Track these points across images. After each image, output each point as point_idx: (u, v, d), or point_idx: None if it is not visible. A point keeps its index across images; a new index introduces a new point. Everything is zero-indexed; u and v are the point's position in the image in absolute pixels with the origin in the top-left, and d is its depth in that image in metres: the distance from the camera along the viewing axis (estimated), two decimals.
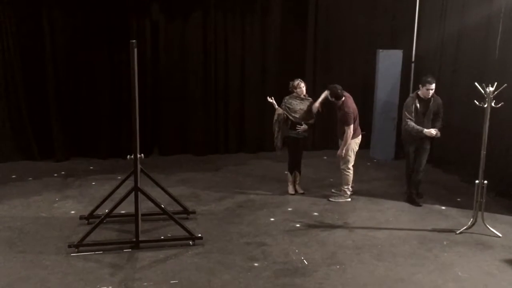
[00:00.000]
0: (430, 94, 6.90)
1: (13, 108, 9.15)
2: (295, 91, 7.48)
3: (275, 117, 7.51)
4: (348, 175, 7.35)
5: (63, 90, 9.32)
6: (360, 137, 7.43)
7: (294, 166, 7.70)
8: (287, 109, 7.45)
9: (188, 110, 9.86)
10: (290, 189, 7.74)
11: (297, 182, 7.80)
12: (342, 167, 7.35)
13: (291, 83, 7.54)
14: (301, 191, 7.75)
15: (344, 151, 7.21)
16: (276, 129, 7.53)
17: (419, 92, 7.02)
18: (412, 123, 6.92)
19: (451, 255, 5.70)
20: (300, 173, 7.79)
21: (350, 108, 7.13)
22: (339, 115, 7.24)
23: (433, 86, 6.88)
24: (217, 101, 10.05)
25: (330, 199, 7.47)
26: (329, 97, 7.25)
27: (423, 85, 6.90)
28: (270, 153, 9.96)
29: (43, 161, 9.26)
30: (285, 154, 7.81)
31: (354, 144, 7.29)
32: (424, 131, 6.86)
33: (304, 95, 7.53)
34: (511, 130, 7.48)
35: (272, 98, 7.62)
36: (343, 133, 7.17)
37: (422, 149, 7.10)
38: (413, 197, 7.30)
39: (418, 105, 6.98)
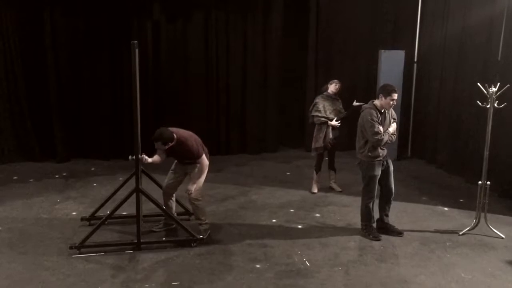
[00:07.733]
0: (393, 106, 5.90)
1: (15, 109, 9.17)
2: (333, 92, 7.58)
3: (323, 122, 7.49)
4: (201, 203, 6.04)
5: (64, 91, 9.36)
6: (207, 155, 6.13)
7: (330, 166, 7.85)
8: (324, 111, 7.50)
9: (190, 110, 9.86)
10: (314, 188, 7.79)
11: (333, 180, 7.91)
12: (196, 197, 5.93)
13: (329, 84, 7.64)
14: (339, 189, 7.83)
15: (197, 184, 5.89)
16: (321, 134, 7.52)
17: (375, 103, 5.88)
18: (385, 136, 5.83)
19: (454, 256, 5.68)
20: (335, 171, 7.90)
21: (189, 141, 5.84)
22: (181, 154, 5.98)
23: (397, 96, 5.86)
24: (219, 102, 10.06)
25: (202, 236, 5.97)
26: (161, 145, 5.78)
27: (387, 95, 5.77)
28: (272, 154, 9.98)
29: (44, 162, 9.29)
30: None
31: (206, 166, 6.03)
32: (390, 131, 5.94)
33: (335, 95, 7.64)
34: None
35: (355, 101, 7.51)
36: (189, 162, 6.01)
37: (389, 168, 6.08)
38: (390, 227, 6.25)
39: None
